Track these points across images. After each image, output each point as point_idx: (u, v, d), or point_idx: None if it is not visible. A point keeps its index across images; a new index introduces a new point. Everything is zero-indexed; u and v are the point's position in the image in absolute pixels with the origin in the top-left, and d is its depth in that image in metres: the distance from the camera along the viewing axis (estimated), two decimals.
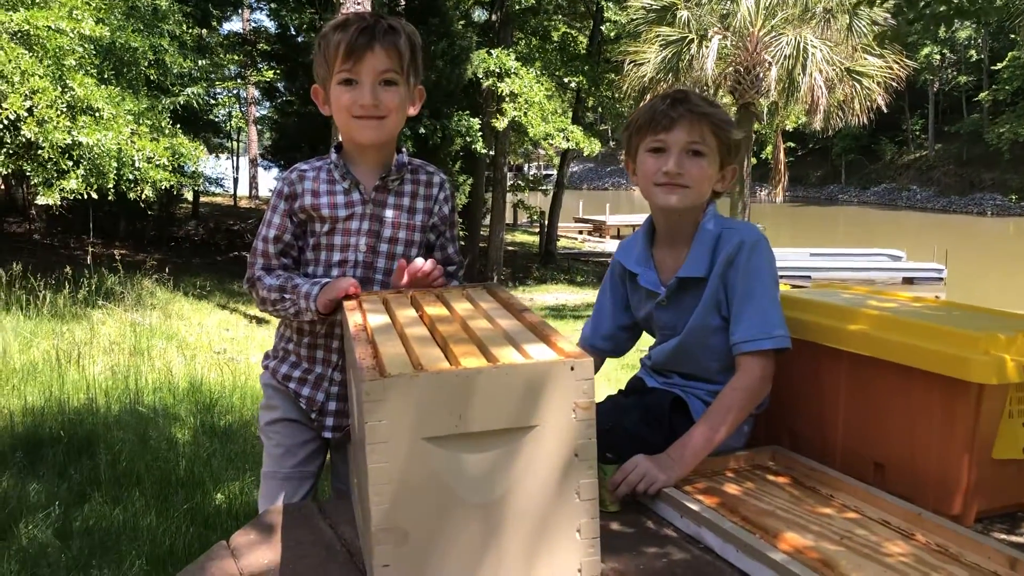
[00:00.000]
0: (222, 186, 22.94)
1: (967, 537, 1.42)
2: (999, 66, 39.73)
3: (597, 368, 2.07)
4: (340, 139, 1.93)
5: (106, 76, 9.63)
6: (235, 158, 32.02)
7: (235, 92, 23.95)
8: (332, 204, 1.86)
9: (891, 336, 1.65)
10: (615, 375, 7.41)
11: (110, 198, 9.08)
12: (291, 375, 1.95)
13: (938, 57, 44.97)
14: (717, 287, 1.80)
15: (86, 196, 8.73)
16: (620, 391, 2.03)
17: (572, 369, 1.09)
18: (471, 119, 16.53)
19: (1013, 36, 35.83)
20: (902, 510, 1.52)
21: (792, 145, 47.62)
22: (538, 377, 1.08)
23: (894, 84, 14.18)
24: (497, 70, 16.93)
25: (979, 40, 43.73)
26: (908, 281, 21.23)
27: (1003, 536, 1.54)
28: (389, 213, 1.89)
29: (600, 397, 1.95)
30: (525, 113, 16.76)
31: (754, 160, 20.00)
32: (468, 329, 1.30)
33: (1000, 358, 1.50)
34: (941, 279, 21.41)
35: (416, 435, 1.07)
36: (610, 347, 2.06)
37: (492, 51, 17.17)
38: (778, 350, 1.75)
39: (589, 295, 16.63)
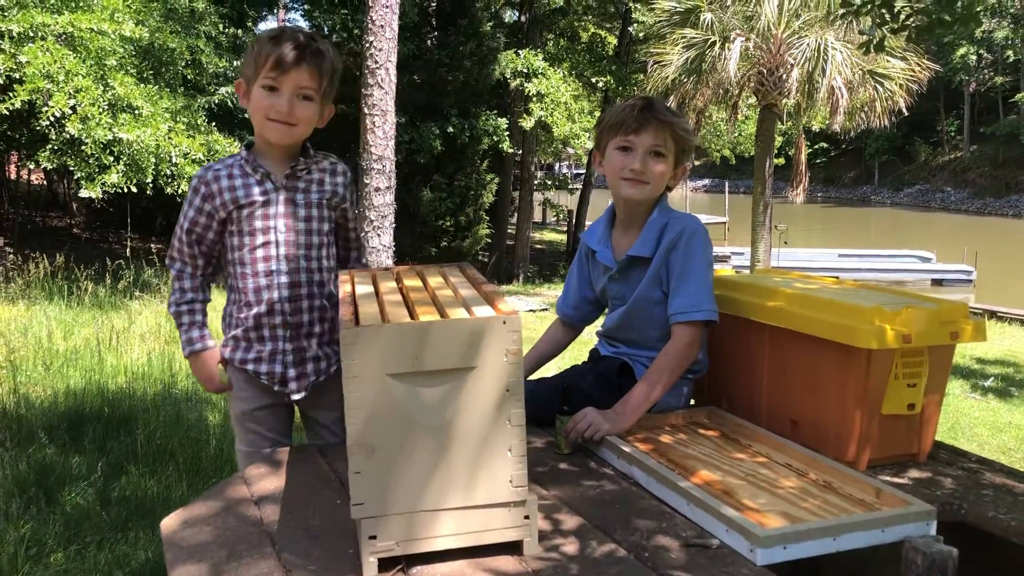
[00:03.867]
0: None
1: (848, 475, 1.71)
2: None
3: (572, 339, 2.39)
4: (252, 138, 2.19)
5: (145, 76, 10.10)
6: None
7: None
8: (248, 193, 2.10)
9: (799, 310, 1.94)
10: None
11: (148, 192, 9.50)
12: (247, 358, 2.16)
13: (974, 58, 44.55)
14: (660, 266, 2.10)
15: (125, 190, 9.16)
16: (584, 361, 2.34)
17: (504, 323, 1.39)
18: (498, 119, 16.86)
19: None
20: (803, 455, 1.82)
21: (825, 146, 47.40)
22: (478, 329, 1.39)
23: (917, 87, 14.26)
24: (524, 70, 17.22)
25: (1017, 40, 43.25)
26: (937, 283, 21.18)
27: (887, 478, 1.83)
28: (300, 197, 2.13)
29: (566, 366, 2.27)
30: (551, 113, 17.03)
31: (780, 160, 20.13)
32: (434, 297, 1.61)
33: (882, 328, 1.78)
34: (970, 281, 21.33)
35: (382, 372, 1.37)
36: (576, 316, 2.38)
37: (520, 51, 17.46)
38: (706, 322, 2.05)
39: None
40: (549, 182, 24.26)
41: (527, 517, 1.46)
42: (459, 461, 1.42)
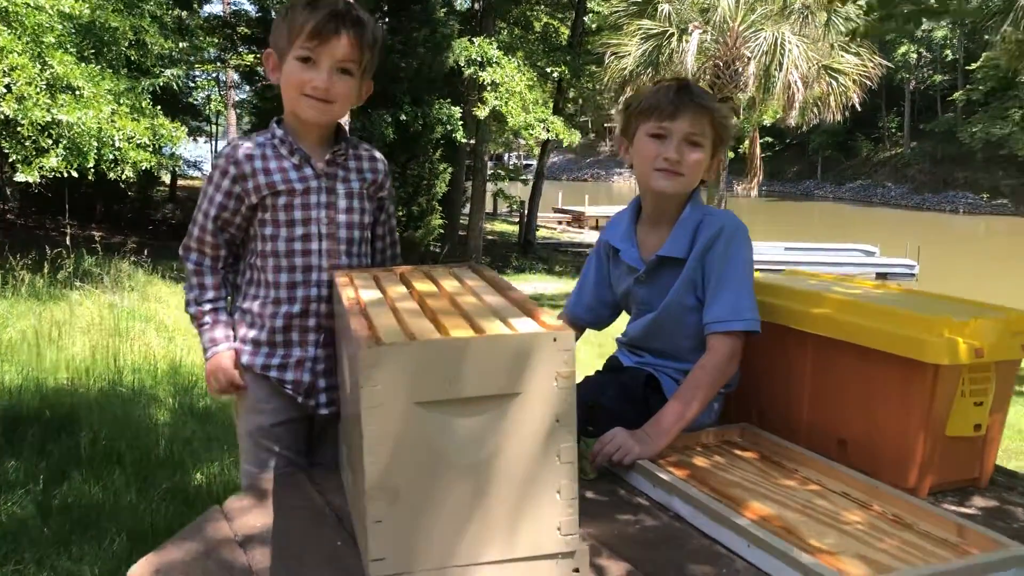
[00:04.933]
0: (200, 170, 22.80)
1: (920, 507, 1.52)
2: (973, 66, 40.17)
3: (576, 338, 2.16)
4: (283, 115, 1.94)
5: (86, 55, 9.58)
6: (214, 142, 31.80)
7: (214, 75, 23.78)
8: (286, 179, 1.87)
9: (853, 319, 1.74)
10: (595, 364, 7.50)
11: (90, 177, 9.04)
12: (270, 364, 1.92)
13: (915, 56, 45.45)
14: (694, 268, 1.89)
15: (65, 175, 8.69)
16: (598, 371, 2.12)
17: (555, 340, 1.17)
18: (452, 107, 16.56)
19: (987, 37, 36.30)
20: (861, 483, 1.62)
21: (770, 140, 48.00)
22: (523, 347, 1.16)
23: (868, 82, 14.37)
24: (479, 59, 16.95)
25: (955, 40, 44.22)
26: (881, 276, 21.50)
27: (953, 507, 1.64)
28: (341, 188, 1.92)
29: (579, 377, 2.04)
30: (506, 102, 16.79)
31: (731, 154, 20.18)
32: (456, 304, 1.37)
33: (953, 340, 1.59)
34: (913, 275, 21.73)
35: (409, 399, 1.14)
36: (590, 319, 2.16)
37: (474, 40, 17.19)
38: (747, 332, 1.84)
39: (567, 285, 16.74)
40: (502, 172, 24.03)
41: (577, 570, 1.23)
42: (499, 506, 1.19)
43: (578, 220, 30.13)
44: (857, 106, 14.08)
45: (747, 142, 17.29)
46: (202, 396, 5.66)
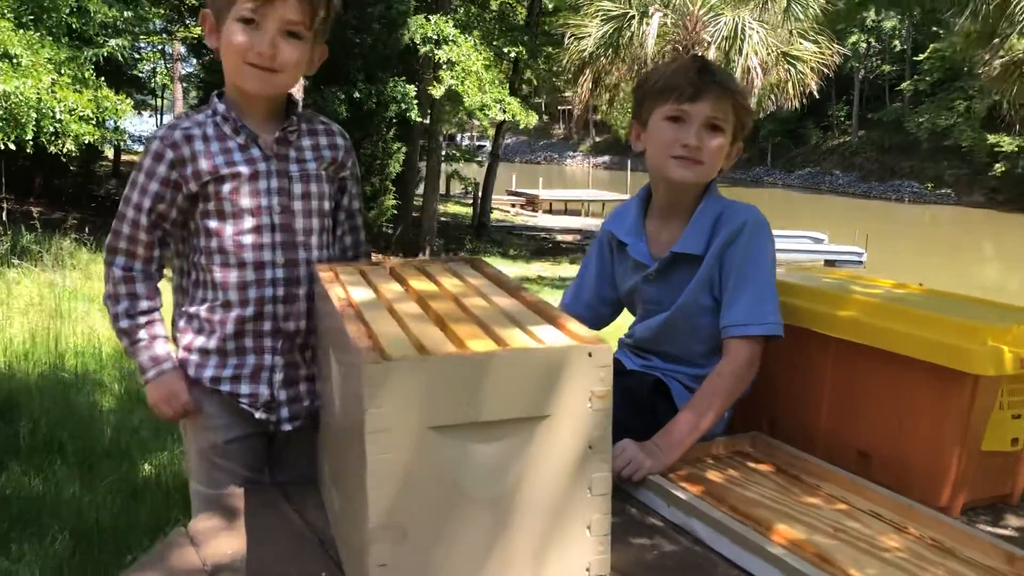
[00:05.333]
0: (145, 144, 22.14)
1: (961, 531, 1.39)
2: (921, 57, 40.85)
3: None
4: (225, 87, 1.69)
5: (24, 21, 9.11)
6: (159, 116, 30.95)
7: (160, 47, 23.04)
8: (230, 161, 1.64)
9: (885, 324, 1.61)
10: None
11: (28, 150, 8.62)
12: (221, 376, 1.68)
13: (864, 45, 46.01)
14: (713, 266, 1.74)
15: (1, 147, 8.27)
16: None
17: (590, 355, 1.01)
18: (407, 86, 16.24)
19: (935, 28, 36.88)
20: (892, 502, 1.49)
21: None
22: (554, 363, 1.00)
23: (826, 70, 14.42)
24: (435, 37, 16.64)
25: (903, 31, 44.88)
26: (830, 263, 21.76)
27: (988, 528, 1.53)
28: (295, 170, 1.69)
29: None
30: (462, 82, 16.53)
31: None
32: (463, 307, 1.21)
33: (998, 350, 1.47)
34: (861, 263, 22.03)
35: (421, 424, 0.97)
36: (588, 318, 1.97)
37: (430, 17, 16.87)
38: (768, 337, 1.70)
39: (523, 269, 16.62)
40: (456, 153, 23.71)
41: None
42: (522, 544, 1.04)
43: (532, 203, 29.96)
44: (815, 93, 14.12)
45: None
46: None
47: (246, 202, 1.64)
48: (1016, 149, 34.99)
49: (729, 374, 1.66)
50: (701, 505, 1.44)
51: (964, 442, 1.53)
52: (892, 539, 1.39)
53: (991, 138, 35.57)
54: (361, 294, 1.28)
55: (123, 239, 1.67)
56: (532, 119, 18.32)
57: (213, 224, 1.64)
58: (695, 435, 1.62)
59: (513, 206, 29.86)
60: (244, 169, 1.64)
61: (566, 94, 27.40)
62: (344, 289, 1.32)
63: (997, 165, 36.44)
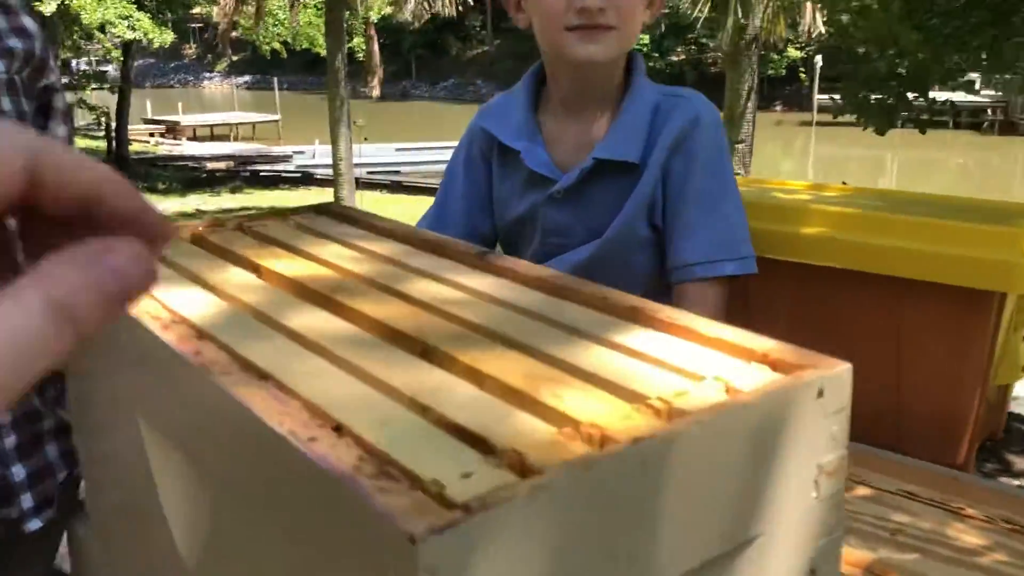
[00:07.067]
0: None
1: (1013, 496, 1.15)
2: None
3: None
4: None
5: None
6: None
7: None
8: None
9: (871, 240, 1.26)
10: None
11: None
12: None
13: None
14: (655, 180, 1.30)
15: None
16: None
17: (820, 394, 0.58)
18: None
19: None
20: (912, 469, 1.18)
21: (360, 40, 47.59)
22: (764, 426, 0.54)
23: None
24: None
25: None
26: None
27: (1001, 477, 1.33)
28: None
29: None
30: None
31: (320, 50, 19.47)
32: (451, 315, 0.70)
33: None
34: None
35: None
36: None
37: None
38: (735, 277, 1.29)
39: (177, 203, 15.11)
40: (78, 80, 20.84)
41: None
42: None
43: (173, 131, 27.43)
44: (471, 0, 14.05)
45: (358, 39, 16.65)
46: None
47: None
48: None
49: None
50: None
51: (985, 381, 1.25)
52: (970, 535, 1.08)
53: None
54: (204, 305, 0.73)
55: None
56: (167, 37, 16.56)
57: None
58: None
59: (152, 135, 27.19)
60: None
61: (194, 9, 25.13)
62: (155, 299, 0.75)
63: None
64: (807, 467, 0.57)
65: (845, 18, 5.30)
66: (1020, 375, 1.36)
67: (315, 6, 17.81)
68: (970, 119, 26.22)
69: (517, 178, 1.39)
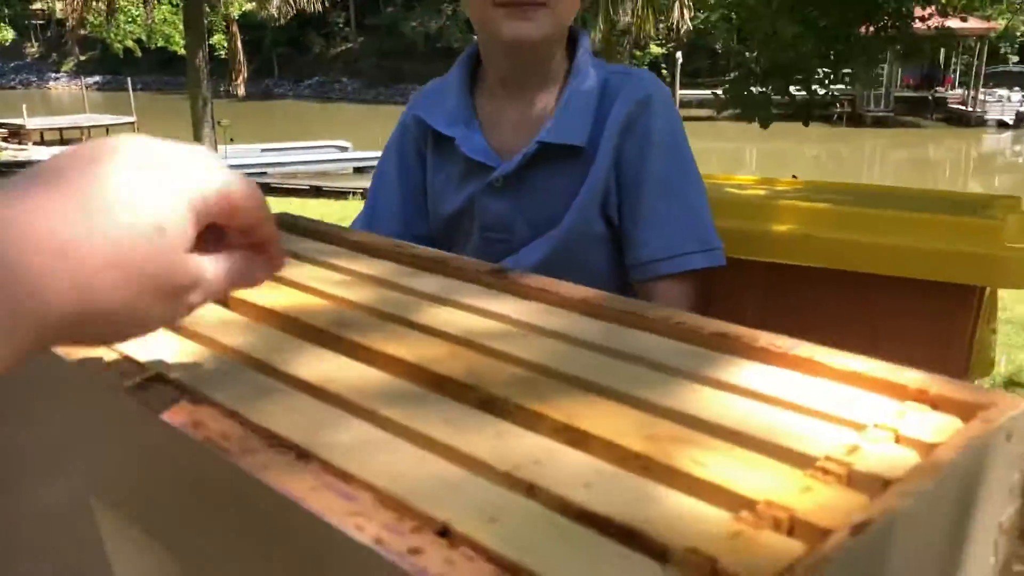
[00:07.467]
0: None
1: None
2: None
3: None
4: None
5: None
6: None
7: None
8: None
9: (843, 236, 1.20)
10: None
11: None
12: None
13: None
14: (607, 166, 1.17)
15: None
16: None
17: (1008, 439, 0.48)
18: None
19: None
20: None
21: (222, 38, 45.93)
22: (963, 485, 0.43)
23: None
24: None
25: None
26: (359, 171, 21.97)
27: None
28: None
29: None
30: None
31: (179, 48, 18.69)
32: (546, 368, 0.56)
33: (1019, 251, 1.14)
34: None
35: None
36: None
37: None
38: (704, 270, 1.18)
39: None
40: None
41: None
42: None
43: (18, 135, 25.68)
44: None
45: (219, 36, 15.98)
46: None
47: None
48: None
49: None
50: None
51: (965, 377, 1.21)
52: None
53: None
54: (174, 352, 0.57)
55: None
56: (6, 34, 15.45)
57: None
58: None
59: None
60: None
61: (35, 4, 23.60)
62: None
63: None
64: (990, 528, 0.47)
65: (715, 16, 5.40)
66: (991, 370, 1.33)
67: (170, 2, 16.99)
68: (820, 111, 27.58)
69: (453, 169, 1.26)
